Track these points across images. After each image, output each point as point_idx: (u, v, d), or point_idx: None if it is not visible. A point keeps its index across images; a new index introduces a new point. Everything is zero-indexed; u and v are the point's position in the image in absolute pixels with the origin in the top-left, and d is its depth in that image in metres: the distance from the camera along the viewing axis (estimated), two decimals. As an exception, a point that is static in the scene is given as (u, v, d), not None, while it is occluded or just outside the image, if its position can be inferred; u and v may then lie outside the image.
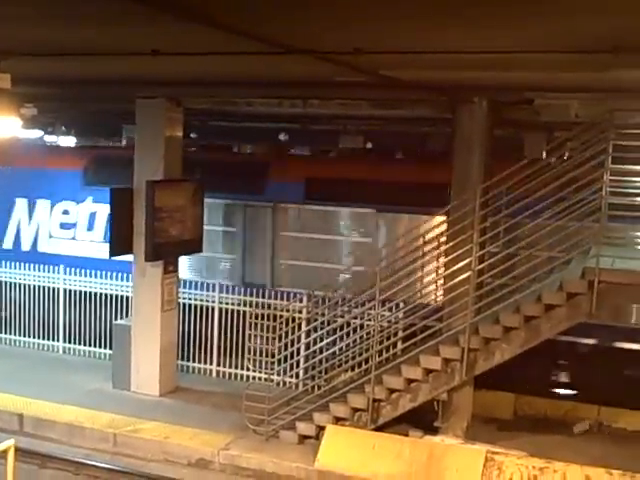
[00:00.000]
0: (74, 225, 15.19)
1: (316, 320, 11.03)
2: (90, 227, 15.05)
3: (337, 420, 10.38)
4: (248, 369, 12.17)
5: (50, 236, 15.33)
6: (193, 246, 12.54)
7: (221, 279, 13.69)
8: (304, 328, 11.31)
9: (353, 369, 10.90)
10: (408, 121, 14.01)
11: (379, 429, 10.25)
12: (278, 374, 11.12)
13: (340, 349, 10.93)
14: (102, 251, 13.49)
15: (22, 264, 14.58)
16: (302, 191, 13.73)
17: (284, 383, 11.34)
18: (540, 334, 9.58)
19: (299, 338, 11.24)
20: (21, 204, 15.55)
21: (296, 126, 16.07)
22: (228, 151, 17.03)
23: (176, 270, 12.51)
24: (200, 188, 12.49)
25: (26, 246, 15.50)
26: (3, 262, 14.83)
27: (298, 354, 11.22)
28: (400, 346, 10.86)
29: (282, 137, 16.79)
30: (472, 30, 5.77)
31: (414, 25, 5.63)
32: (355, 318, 11.03)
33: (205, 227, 12.83)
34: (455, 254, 9.86)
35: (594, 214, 9.20)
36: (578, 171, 9.23)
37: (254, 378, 11.79)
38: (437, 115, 11.27)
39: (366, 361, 10.58)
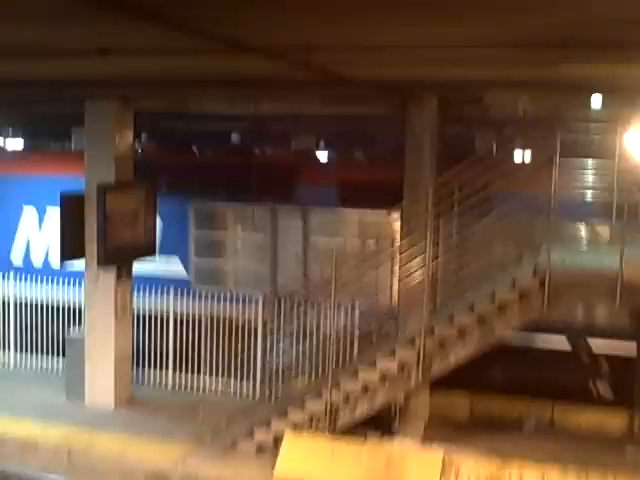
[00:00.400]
0: None
1: (272, 326, 10.94)
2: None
3: (295, 426, 10.29)
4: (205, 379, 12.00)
5: None
6: (147, 250, 12.37)
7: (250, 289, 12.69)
8: (260, 334, 11.23)
9: (310, 374, 10.84)
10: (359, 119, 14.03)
11: (337, 434, 10.19)
12: (235, 381, 10.99)
13: (297, 355, 10.86)
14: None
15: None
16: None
17: (241, 392, 11.22)
18: (494, 333, 9.63)
19: (255, 345, 11.15)
20: (30, 213, 14.67)
21: (248, 125, 16.00)
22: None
23: (130, 276, 12.32)
24: (153, 191, 12.34)
25: (38, 262, 14.69)
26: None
27: (254, 361, 11.12)
28: (356, 349, 10.84)
29: (234, 137, 16.73)
30: (423, 26, 5.80)
31: (364, 21, 5.64)
32: (311, 322, 10.97)
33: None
34: (408, 253, 9.87)
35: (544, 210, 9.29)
36: (527, 167, 9.33)
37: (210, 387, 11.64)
38: (388, 113, 11.29)
39: (323, 365, 10.52)
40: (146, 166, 12.59)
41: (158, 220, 12.84)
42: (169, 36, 5.85)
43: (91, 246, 11.56)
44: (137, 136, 13.26)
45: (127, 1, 4.81)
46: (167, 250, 13.45)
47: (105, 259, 11.46)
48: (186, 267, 13.88)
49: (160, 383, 13.10)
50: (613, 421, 11.55)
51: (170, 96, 11.53)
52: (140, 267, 12.25)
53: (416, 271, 9.75)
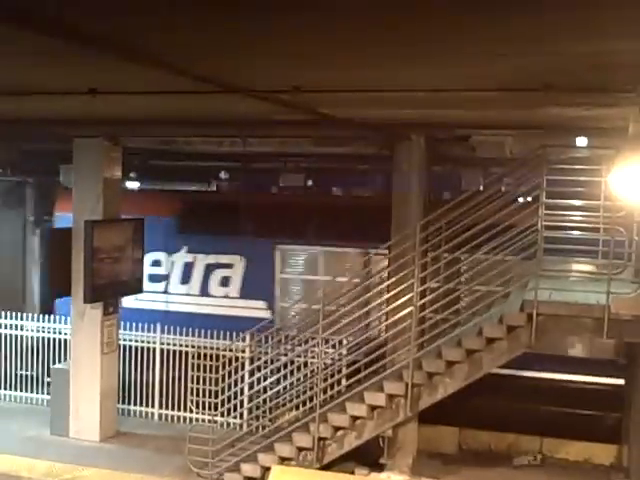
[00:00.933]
0: (166, 277, 14.09)
1: (259, 359, 10.93)
2: (185, 279, 14.01)
3: (282, 460, 10.25)
4: (191, 411, 11.96)
5: None
6: (133, 287, 12.38)
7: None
8: (247, 367, 11.21)
9: (298, 408, 10.82)
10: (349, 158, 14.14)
11: (325, 468, 10.16)
12: (222, 415, 10.96)
13: (284, 388, 10.85)
14: (200, 305, 12.67)
15: None
16: None
17: (228, 424, 11.18)
18: (482, 367, 9.66)
19: (242, 378, 11.13)
20: None
21: (237, 164, 16.08)
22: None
23: (116, 311, 12.30)
24: (140, 228, 12.37)
25: None
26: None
27: (242, 394, 11.10)
28: (344, 383, 10.84)
29: (223, 176, 16.77)
30: (407, 69, 5.87)
31: (349, 64, 5.71)
32: (299, 356, 10.97)
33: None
34: (397, 290, 9.93)
35: (531, 248, 9.39)
36: (514, 206, 9.43)
37: (197, 420, 11.60)
38: (377, 152, 11.42)
39: (310, 399, 10.51)
40: (227, 207, 12.29)
41: (243, 262, 12.65)
42: (156, 77, 5.90)
43: (77, 282, 11.55)
44: (125, 173, 13.25)
45: (114, 43, 4.85)
46: (251, 292, 13.31)
47: (91, 296, 11.44)
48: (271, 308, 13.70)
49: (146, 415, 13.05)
50: (601, 454, 11.57)
51: (159, 135, 11.61)
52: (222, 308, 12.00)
53: (404, 308, 9.79)
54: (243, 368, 11.22)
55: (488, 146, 9.78)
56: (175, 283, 14.26)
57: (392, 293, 10.00)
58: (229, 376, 10.74)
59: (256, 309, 11.03)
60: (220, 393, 10.71)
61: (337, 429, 10.14)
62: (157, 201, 15.16)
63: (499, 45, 4.85)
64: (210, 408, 10.81)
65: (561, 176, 9.08)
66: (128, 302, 13.62)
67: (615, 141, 7.05)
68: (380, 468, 10.41)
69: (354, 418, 10.07)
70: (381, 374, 10.07)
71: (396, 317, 9.89)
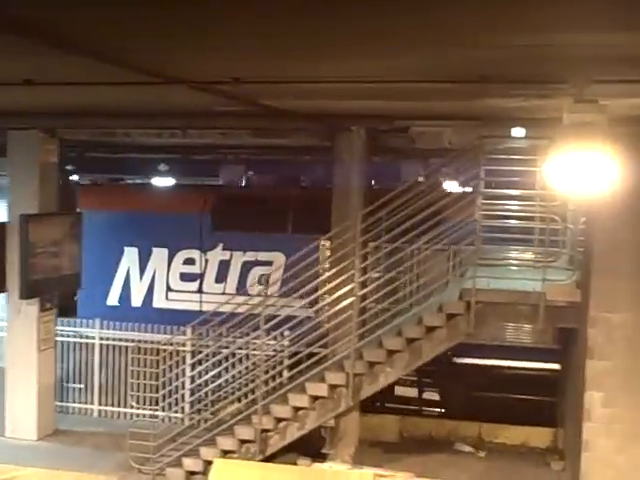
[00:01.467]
0: (200, 276, 13.47)
1: (200, 352, 10.87)
2: (221, 278, 13.36)
3: (225, 453, 10.23)
4: (132, 407, 11.83)
5: (169, 289, 13.68)
6: (72, 282, 12.15)
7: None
8: (189, 361, 11.14)
9: (240, 400, 10.80)
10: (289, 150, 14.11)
11: (268, 459, 10.17)
12: (163, 410, 10.87)
13: (226, 381, 10.82)
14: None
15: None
16: None
17: (169, 419, 11.10)
18: (422, 355, 9.81)
19: (183, 372, 11.06)
20: (131, 254, 13.88)
21: (176, 156, 15.94)
22: None
23: (54, 307, 12.07)
24: (78, 222, 12.15)
25: (137, 301, 13.90)
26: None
27: (183, 388, 11.03)
28: (286, 374, 10.87)
29: (162, 168, 16.60)
30: (346, 61, 5.90)
31: (288, 56, 5.70)
32: (240, 348, 10.95)
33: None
34: (338, 280, 9.99)
35: (469, 237, 9.56)
36: (453, 196, 9.59)
37: (138, 415, 11.48)
38: (317, 144, 11.44)
39: (252, 391, 10.50)
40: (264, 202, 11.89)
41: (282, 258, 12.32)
42: (93, 68, 5.80)
43: (12, 277, 11.29)
44: (63, 166, 13.01)
45: (50, 33, 4.75)
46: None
47: (27, 292, 11.19)
48: None
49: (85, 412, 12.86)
50: (538, 437, 11.86)
51: (97, 126, 11.40)
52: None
53: (345, 298, 9.85)
54: (184, 362, 11.14)
55: (427, 137, 9.90)
56: (210, 282, 13.73)
57: (333, 284, 10.05)
58: (170, 370, 10.66)
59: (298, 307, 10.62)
60: (161, 387, 10.62)
61: (279, 420, 10.16)
62: (188, 197, 14.61)
63: (437, 36, 4.90)
64: (151, 403, 10.72)
65: (498, 166, 9.27)
66: (159, 302, 13.19)
67: (550, 131, 7.20)
68: (323, 458, 10.48)
69: (296, 409, 10.10)
70: (323, 365, 10.13)
71: (337, 308, 9.95)
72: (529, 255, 10.20)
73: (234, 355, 10.92)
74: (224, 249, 13.50)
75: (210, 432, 10.40)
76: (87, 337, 12.88)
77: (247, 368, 10.73)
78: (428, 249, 9.83)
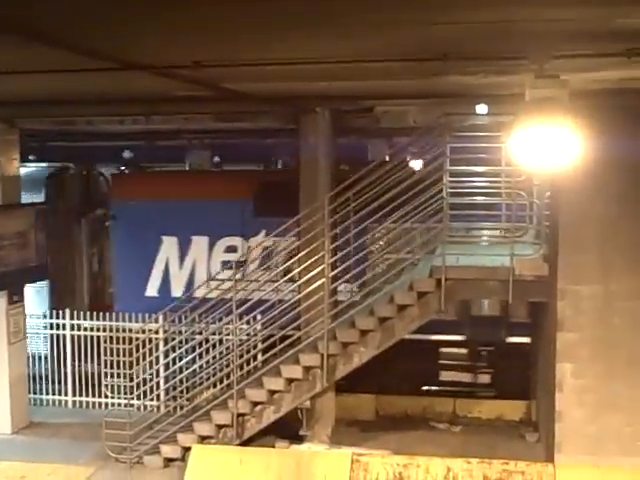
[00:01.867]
0: (242, 264, 12.52)
1: (173, 339, 10.83)
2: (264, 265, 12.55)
3: (202, 439, 10.23)
4: (106, 396, 11.76)
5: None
6: (38, 273, 12.04)
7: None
8: (162, 348, 11.10)
9: (215, 386, 10.79)
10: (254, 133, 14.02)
11: (245, 443, 10.20)
12: (138, 398, 10.82)
13: (200, 367, 10.80)
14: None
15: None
16: None
17: (145, 407, 11.06)
18: (395, 334, 9.87)
19: (157, 359, 11.01)
20: (169, 243, 13.56)
21: (141, 143, 15.77)
22: None
23: (22, 299, 11.94)
24: (42, 213, 12.01)
25: (177, 292, 13.48)
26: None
27: (157, 376, 10.99)
28: (260, 358, 10.88)
29: (127, 155, 16.43)
30: (310, 41, 5.86)
31: (251, 38, 5.65)
32: (213, 334, 10.93)
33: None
34: (308, 262, 9.99)
35: (437, 215, 9.60)
36: (419, 174, 9.62)
37: (113, 405, 11.43)
38: (282, 126, 11.40)
39: (227, 376, 10.50)
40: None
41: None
42: (52, 55, 5.70)
43: (-22, 271, 11.17)
44: (23, 156, 12.80)
45: (6, 18, 4.65)
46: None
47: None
48: None
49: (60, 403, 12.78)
50: (512, 410, 12.01)
51: (58, 115, 11.24)
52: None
53: (316, 280, 9.86)
54: (158, 349, 11.10)
55: (392, 116, 9.91)
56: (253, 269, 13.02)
57: (304, 266, 10.06)
58: (144, 358, 10.62)
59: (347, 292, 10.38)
60: (135, 376, 10.58)
61: (255, 404, 10.19)
62: (229, 183, 14.19)
63: (397, 16, 4.89)
64: (126, 392, 10.67)
65: (464, 143, 9.30)
66: (200, 292, 12.91)
67: (513, 108, 7.23)
68: (300, 440, 10.54)
69: (272, 392, 10.13)
70: (296, 347, 10.15)
71: (309, 289, 9.96)
72: (497, 231, 10.28)
73: (207, 341, 10.89)
74: (267, 235, 13.01)
75: (187, 418, 10.40)
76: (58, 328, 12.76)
77: (221, 353, 10.72)
78: (396, 228, 9.86)
